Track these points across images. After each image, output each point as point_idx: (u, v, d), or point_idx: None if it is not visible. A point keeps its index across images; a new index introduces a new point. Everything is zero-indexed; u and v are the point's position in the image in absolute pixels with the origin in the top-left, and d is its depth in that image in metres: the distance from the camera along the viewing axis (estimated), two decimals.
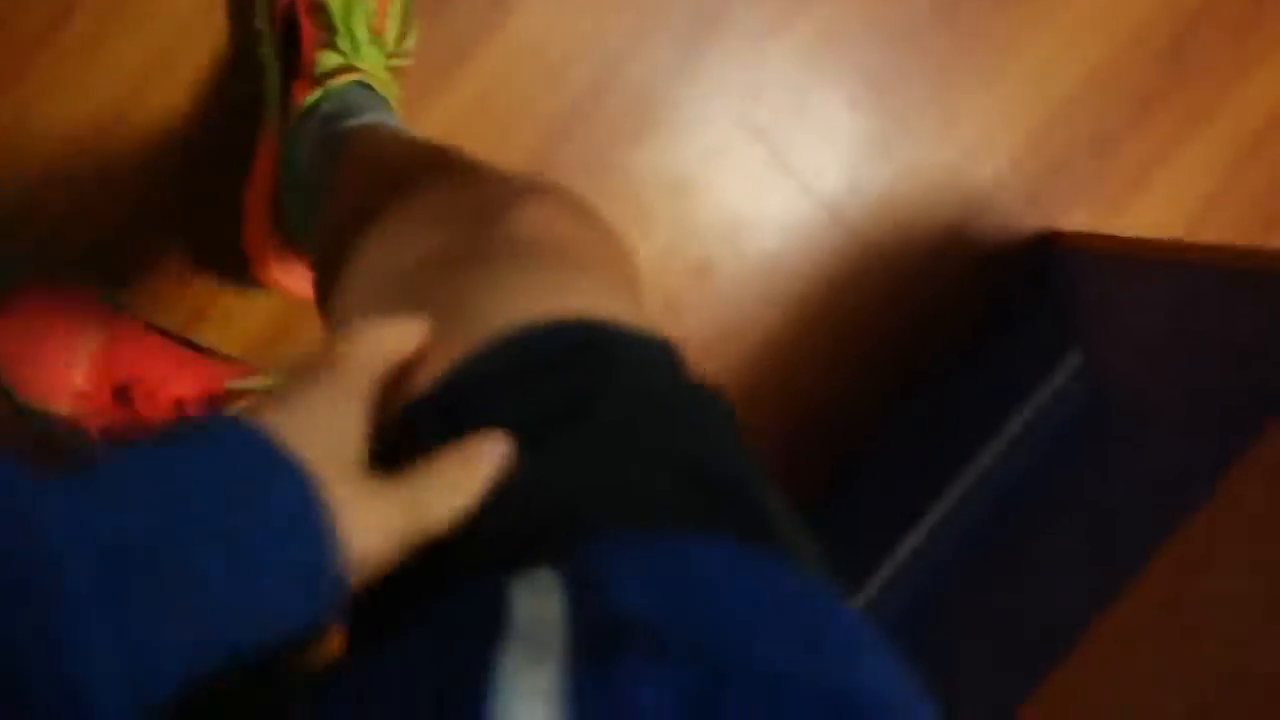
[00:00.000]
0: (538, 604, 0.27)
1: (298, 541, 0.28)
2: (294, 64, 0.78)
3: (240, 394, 0.80)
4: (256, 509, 0.27)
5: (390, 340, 0.34)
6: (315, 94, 0.74)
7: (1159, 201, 1.00)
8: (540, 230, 0.38)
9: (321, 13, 0.76)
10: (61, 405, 0.80)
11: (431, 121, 0.87)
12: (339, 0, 0.76)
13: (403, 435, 0.34)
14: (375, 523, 0.30)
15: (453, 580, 0.31)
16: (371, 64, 0.75)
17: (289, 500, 0.28)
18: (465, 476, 0.32)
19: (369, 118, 0.71)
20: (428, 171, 0.47)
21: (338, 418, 0.31)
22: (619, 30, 0.88)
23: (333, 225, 0.53)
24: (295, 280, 0.81)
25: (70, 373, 0.79)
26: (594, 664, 0.25)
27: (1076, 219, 0.99)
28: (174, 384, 0.80)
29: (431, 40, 0.85)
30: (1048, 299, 0.97)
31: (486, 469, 0.32)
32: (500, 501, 0.32)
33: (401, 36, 0.78)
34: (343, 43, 0.75)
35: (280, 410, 0.31)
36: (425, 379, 0.34)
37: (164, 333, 0.82)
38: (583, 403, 0.33)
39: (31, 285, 0.81)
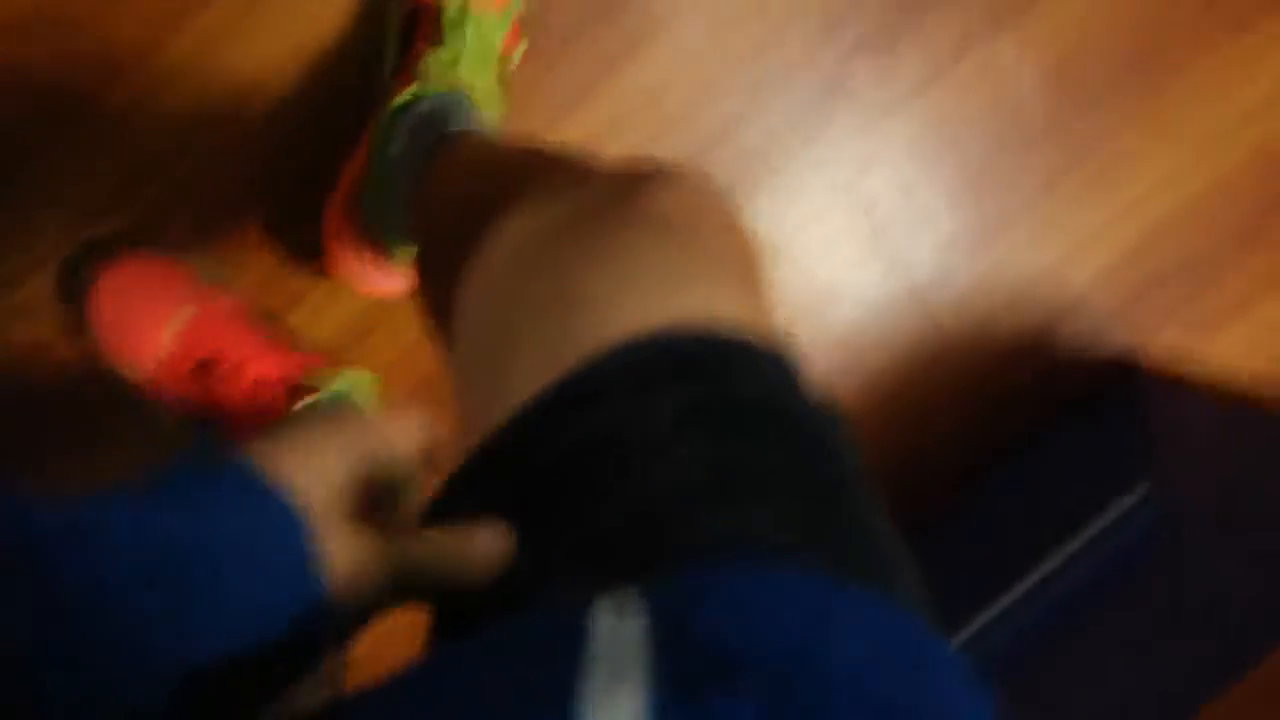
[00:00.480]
0: (621, 626, 0.27)
1: (284, 552, 0.31)
2: (403, 62, 0.79)
3: (310, 390, 0.81)
4: (250, 524, 0.31)
5: (399, 431, 0.36)
6: (410, 91, 0.74)
7: (1245, 337, 1.00)
8: (673, 209, 0.38)
9: (435, 16, 0.77)
10: (145, 369, 0.82)
11: None
12: (455, 8, 0.77)
13: (518, 431, 0.34)
14: (343, 558, 0.32)
15: (535, 586, 0.31)
16: (476, 77, 0.76)
17: (278, 520, 0.31)
18: (454, 553, 0.32)
19: (468, 125, 0.71)
20: (554, 160, 0.47)
21: (329, 460, 0.33)
22: (738, 89, 0.89)
23: (445, 217, 0.53)
24: (362, 273, 0.82)
25: (158, 339, 0.81)
26: (680, 693, 0.24)
27: (1162, 340, 0.99)
28: (255, 365, 0.82)
29: (550, 80, 0.87)
30: (1122, 420, 0.97)
31: (479, 556, 0.32)
32: (595, 509, 0.32)
33: (507, 52, 0.80)
34: (450, 49, 0.76)
35: (280, 443, 0.34)
36: (547, 376, 0.34)
37: (256, 313, 0.84)
38: (693, 419, 0.32)
39: (136, 252, 0.83)
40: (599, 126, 0.89)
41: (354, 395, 0.83)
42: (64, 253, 0.84)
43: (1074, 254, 0.96)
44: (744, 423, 0.33)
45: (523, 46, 0.83)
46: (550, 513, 0.32)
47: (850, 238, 0.94)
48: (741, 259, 0.38)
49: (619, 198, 0.38)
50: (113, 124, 0.83)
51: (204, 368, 0.82)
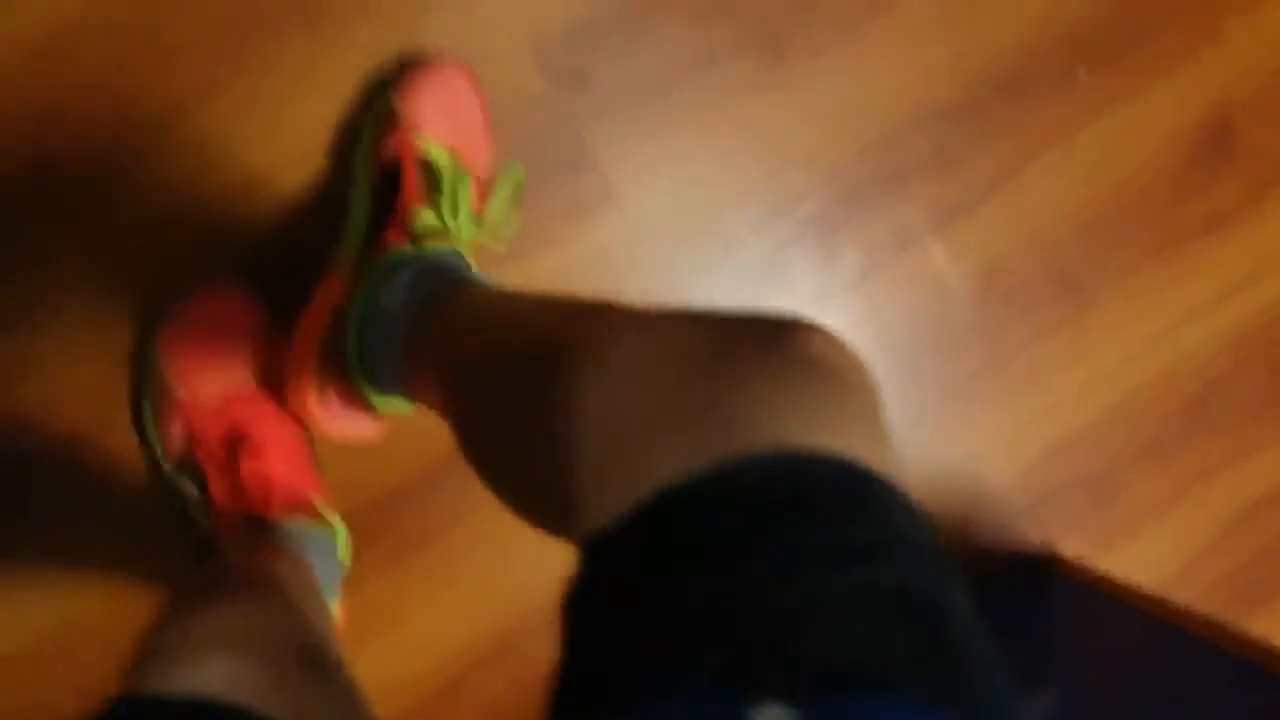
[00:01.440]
0: None
1: None
2: (388, 212, 0.80)
3: (308, 515, 0.81)
4: None
5: None
6: (409, 249, 0.75)
7: (1149, 547, 1.03)
8: (821, 354, 0.39)
9: (430, 172, 0.78)
10: (194, 399, 0.82)
11: None
12: (450, 167, 0.78)
13: (661, 511, 0.35)
14: None
15: (663, 680, 0.31)
16: (465, 234, 0.78)
17: None
18: None
19: (468, 276, 0.73)
20: (611, 305, 0.48)
21: None
22: (679, 263, 0.92)
23: (496, 356, 0.54)
24: (328, 416, 0.81)
25: (226, 380, 0.82)
26: None
27: (1073, 541, 1.01)
28: (280, 465, 0.82)
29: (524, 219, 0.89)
30: (1031, 617, 0.98)
31: None
32: (730, 606, 0.32)
33: (502, 221, 0.82)
34: (444, 206, 0.77)
35: None
36: (685, 464, 0.35)
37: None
38: (835, 545, 0.33)
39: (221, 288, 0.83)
40: (542, 280, 0.90)
41: (336, 543, 0.81)
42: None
43: (990, 451, 0.99)
44: (885, 560, 0.34)
45: (515, 220, 0.84)
46: (681, 597, 0.33)
47: None
48: (877, 409, 0.40)
49: (770, 335, 0.39)
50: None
51: (235, 438, 0.81)
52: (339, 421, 0.80)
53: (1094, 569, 0.98)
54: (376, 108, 0.83)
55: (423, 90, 0.81)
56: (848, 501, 0.35)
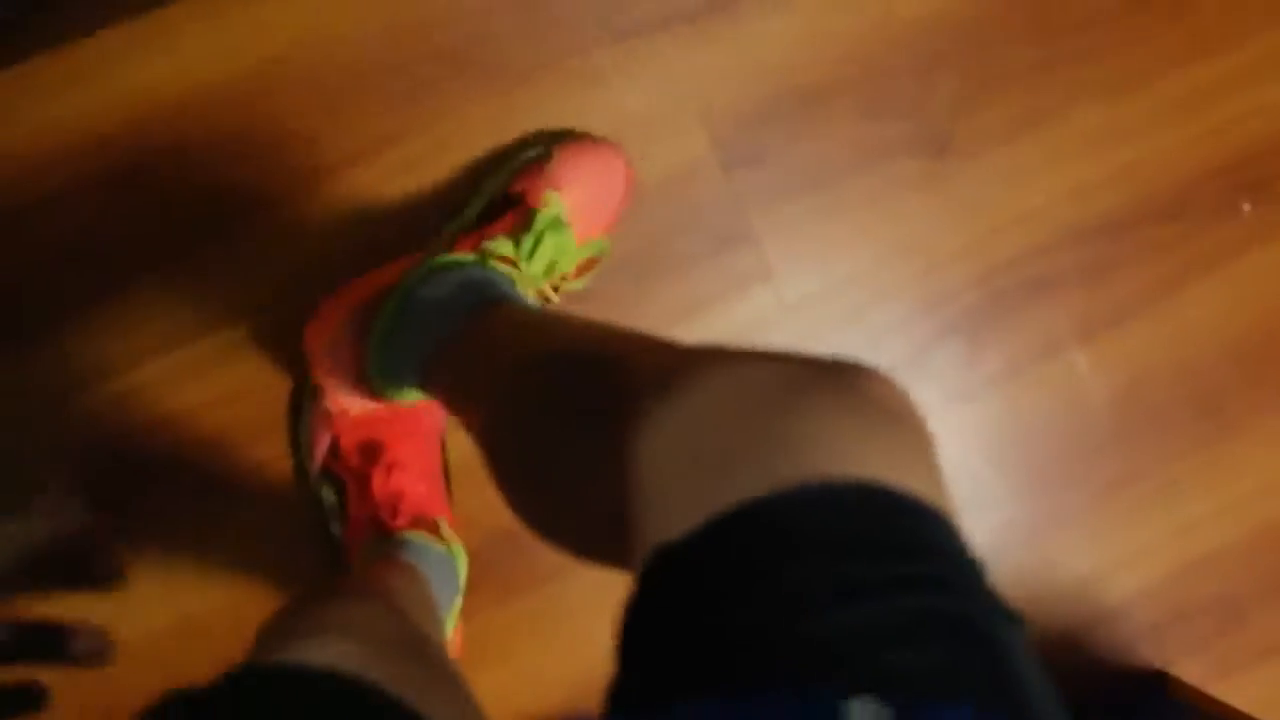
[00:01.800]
0: None
1: None
2: (476, 230, 0.83)
3: (430, 534, 0.83)
4: None
5: None
6: (469, 256, 0.76)
7: (1268, 683, 1.01)
8: (883, 396, 0.40)
9: (528, 214, 0.81)
10: (337, 401, 0.83)
11: None
12: (553, 220, 0.81)
13: (735, 526, 0.36)
14: None
15: (747, 677, 0.33)
16: (531, 277, 0.79)
17: None
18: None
19: (514, 297, 0.74)
20: (688, 344, 0.49)
21: None
22: (843, 343, 0.94)
23: (548, 370, 0.55)
24: (330, 370, 0.82)
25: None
26: None
27: (1191, 665, 1.00)
28: (413, 483, 0.85)
29: (678, 286, 0.92)
30: None
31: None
32: (802, 623, 0.34)
33: (572, 276, 0.84)
34: (525, 243, 0.79)
35: None
36: (761, 486, 0.37)
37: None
38: (902, 573, 0.35)
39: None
40: None
41: (457, 566, 0.84)
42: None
43: (1120, 565, 0.99)
44: (953, 596, 0.35)
45: (585, 281, 0.86)
46: (755, 606, 0.34)
47: None
48: (935, 452, 0.41)
49: (839, 375, 0.41)
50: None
51: (371, 446, 0.84)
52: (334, 377, 0.82)
53: (1207, 693, 0.96)
54: (533, 149, 0.86)
55: (583, 160, 0.85)
56: (912, 533, 0.36)
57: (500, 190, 0.85)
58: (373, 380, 0.77)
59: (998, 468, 0.97)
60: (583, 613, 0.93)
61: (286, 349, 0.88)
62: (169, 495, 0.88)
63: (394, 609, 0.63)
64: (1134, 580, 0.99)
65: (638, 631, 0.38)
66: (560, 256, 0.82)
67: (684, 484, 0.39)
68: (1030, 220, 0.95)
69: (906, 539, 0.36)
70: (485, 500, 0.89)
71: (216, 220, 0.87)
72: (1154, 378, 0.97)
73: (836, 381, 0.40)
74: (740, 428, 0.39)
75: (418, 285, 0.74)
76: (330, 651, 0.49)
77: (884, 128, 0.93)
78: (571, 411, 0.51)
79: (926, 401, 0.93)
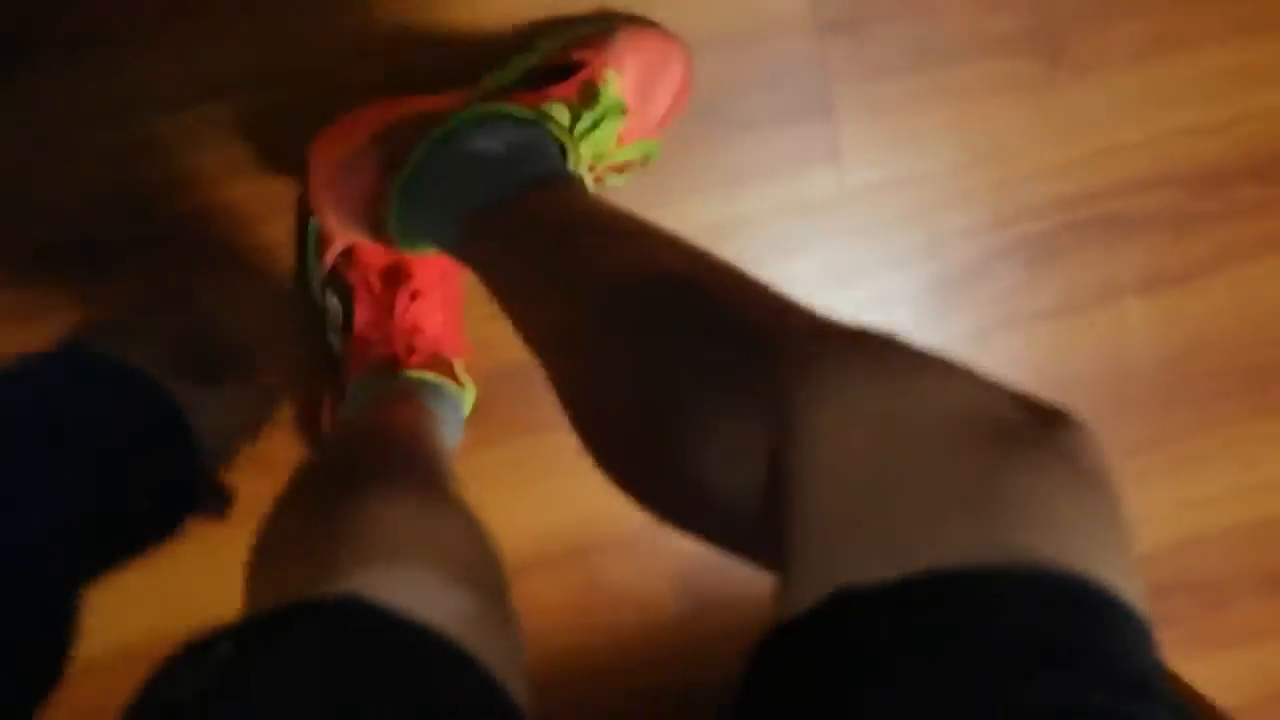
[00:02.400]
0: None
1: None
2: (535, 88, 0.73)
3: (444, 373, 0.78)
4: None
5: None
6: (532, 113, 0.67)
7: (1235, 668, 1.00)
8: (1089, 459, 0.36)
9: (588, 91, 0.73)
10: (351, 229, 0.73)
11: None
12: (613, 103, 0.73)
13: (934, 590, 0.32)
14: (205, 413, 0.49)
15: None
16: (581, 153, 0.71)
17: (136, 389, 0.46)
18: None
19: (568, 172, 0.66)
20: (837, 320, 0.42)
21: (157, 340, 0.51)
22: (872, 259, 0.88)
23: (644, 290, 0.47)
24: (338, 200, 0.73)
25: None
26: None
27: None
28: (433, 316, 0.78)
29: (743, 150, 0.85)
30: None
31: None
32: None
33: (611, 163, 0.77)
34: (584, 118, 0.71)
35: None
36: (961, 551, 0.32)
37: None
38: (1112, 679, 0.31)
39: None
40: (741, 212, 0.86)
41: (464, 405, 0.79)
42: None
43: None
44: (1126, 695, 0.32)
45: (625, 178, 0.80)
46: (950, 680, 0.30)
47: None
48: (1128, 526, 0.37)
49: (1050, 426, 0.36)
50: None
51: (396, 273, 0.77)
52: (340, 210, 0.72)
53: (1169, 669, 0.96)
54: (598, 23, 0.78)
55: (647, 48, 0.77)
56: (1138, 658, 0.32)
57: (555, 52, 0.76)
58: (388, 226, 0.67)
59: None
60: (569, 471, 0.88)
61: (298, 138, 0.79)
62: (156, 261, 0.81)
63: (463, 514, 0.52)
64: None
65: (805, 663, 0.33)
66: (609, 144, 0.74)
67: (882, 517, 0.33)
68: (1122, 154, 0.89)
69: (1134, 671, 0.32)
70: (486, 336, 0.84)
71: None
72: (1205, 345, 0.93)
73: (1050, 437, 0.35)
74: (943, 469, 0.34)
75: (464, 130, 0.65)
76: (416, 594, 0.39)
77: (998, 21, 0.85)
78: (697, 373, 0.42)
79: (966, 325, 0.89)
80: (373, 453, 0.61)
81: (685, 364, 0.43)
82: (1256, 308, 0.92)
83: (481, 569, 0.46)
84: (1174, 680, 0.94)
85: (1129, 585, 0.34)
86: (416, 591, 0.39)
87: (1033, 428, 0.36)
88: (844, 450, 0.35)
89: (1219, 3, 0.87)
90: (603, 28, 0.77)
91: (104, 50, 0.77)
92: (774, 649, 0.34)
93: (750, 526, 0.39)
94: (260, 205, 0.81)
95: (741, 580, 0.91)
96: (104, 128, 0.78)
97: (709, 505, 0.42)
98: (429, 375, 0.77)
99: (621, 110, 0.74)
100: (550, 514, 0.91)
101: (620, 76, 0.75)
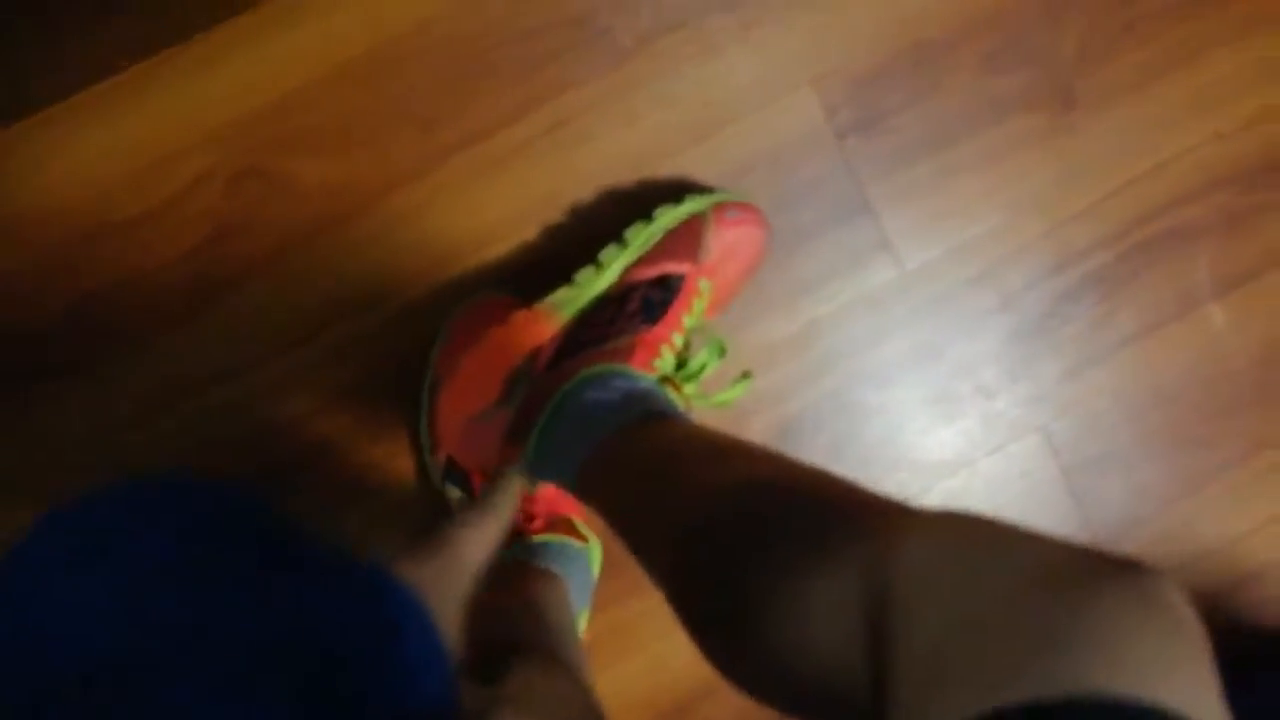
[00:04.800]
0: None
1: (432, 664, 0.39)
2: (639, 335, 0.78)
3: (569, 534, 0.83)
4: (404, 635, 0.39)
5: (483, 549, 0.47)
6: (645, 375, 0.74)
7: None
8: (1169, 599, 0.37)
9: (684, 326, 0.79)
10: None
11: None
12: (711, 350, 0.80)
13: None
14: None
15: None
16: (685, 393, 0.78)
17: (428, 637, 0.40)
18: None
19: (673, 410, 0.70)
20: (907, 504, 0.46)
21: (453, 587, 0.44)
22: (949, 321, 0.91)
23: (741, 501, 0.52)
24: (475, 443, 0.80)
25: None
26: None
27: None
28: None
29: (802, 265, 0.90)
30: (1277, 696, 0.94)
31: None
32: None
33: (700, 375, 0.82)
34: (690, 367, 0.79)
35: (422, 568, 0.44)
36: (1039, 685, 0.34)
37: None
38: None
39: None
40: (818, 323, 0.91)
41: (590, 559, 0.83)
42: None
43: (1262, 528, 0.95)
44: None
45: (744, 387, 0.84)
46: None
47: (1039, 475, 0.94)
48: (1209, 660, 0.39)
49: (1124, 572, 0.38)
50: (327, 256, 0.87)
51: None
52: (468, 458, 0.79)
53: None
54: (687, 204, 0.82)
55: (735, 235, 0.82)
56: None
57: (650, 243, 0.81)
58: (526, 469, 0.74)
59: (1131, 430, 0.94)
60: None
61: (397, 340, 0.87)
62: (289, 503, 0.88)
63: (571, 676, 0.62)
64: (1274, 543, 0.96)
65: None
66: (710, 372, 0.81)
67: (970, 657, 0.36)
68: (1158, 175, 0.92)
69: None
70: None
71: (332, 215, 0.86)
72: None
73: (1123, 579, 0.37)
74: (1036, 609, 0.36)
75: (582, 388, 0.72)
76: None
77: (1002, 82, 0.90)
78: (793, 547, 0.47)
79: (1058, 366, 0.92)
80: (501, 631, 0.68)
81: (780, 541, 0.47)
82: None
83: (581, 712, 0.55)
84: None
85: (1209, 714, 0.35)
86: None
87: (1110, 573, 0.37)
88: (936, 605, 0.38)
89: (1207, 16, 0.91)
90: (694, 209, 0.81)
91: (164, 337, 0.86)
92: None
93: (846, 693, 0.41)
94: (361, 428, 0.88)
95: None
96: (184, 399, 0.86)
97: (808, 675, 0.44)
98: (551, 538, 0.82)
99: (721, 353, 0.81)
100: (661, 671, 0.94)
101: (712, 283, 0.81)
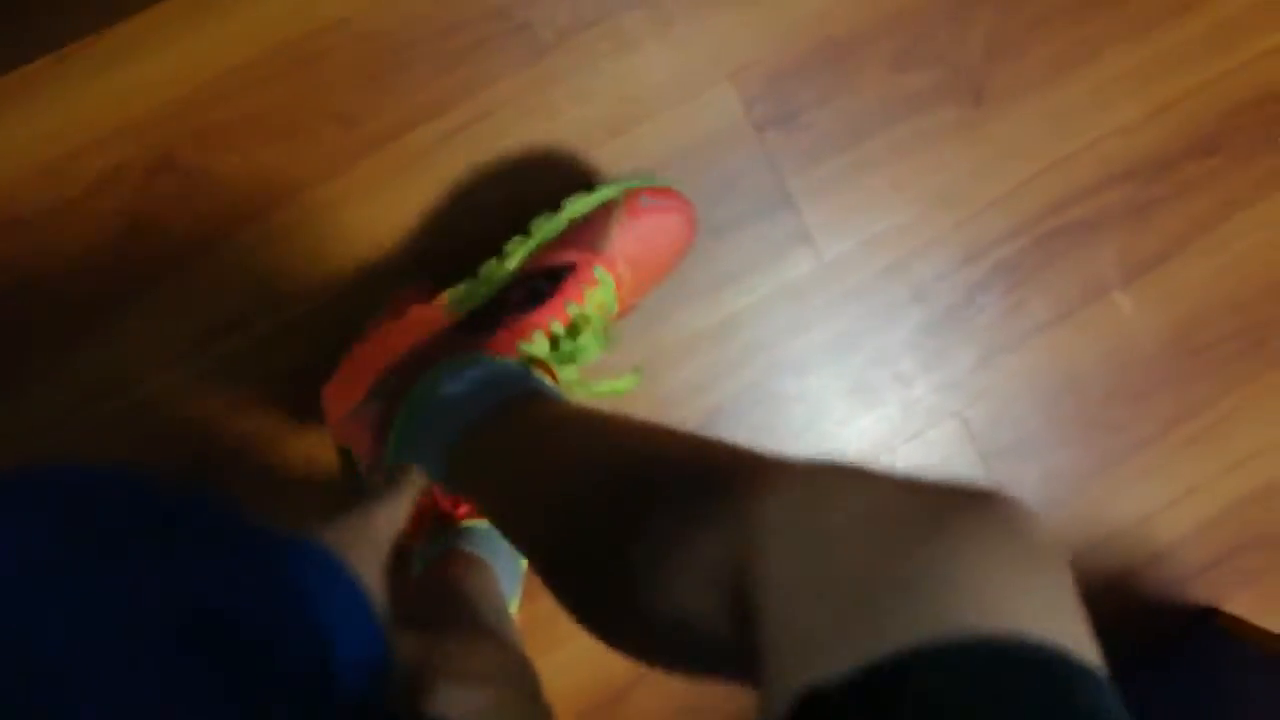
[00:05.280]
0: None
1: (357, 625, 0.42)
2: (514, 319, 0.77)
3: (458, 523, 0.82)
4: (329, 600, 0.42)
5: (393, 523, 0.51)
6: (510, 360, 0.72)
7: None
8: (1032, 531, 0.37)
9: (573, 315, 0.77)
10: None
11: None
12: (596, 325, 0.77)
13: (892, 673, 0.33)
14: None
15: None
16: (562, 378, 0.76)
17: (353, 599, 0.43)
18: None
19: (539, 388, 0.68)
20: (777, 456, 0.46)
21: (371, 551, 0.48)
22: (859, 311, 0.93)
23: (589, 477, 0.51)
24: (349, 436, 0.79)
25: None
26: None
27: (1238, 603, 1.00)
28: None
29: (723, 257, 0.91)
30: (1192, 678, 0.97)
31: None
32: None
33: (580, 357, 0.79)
34: (563, 349, 0.76)
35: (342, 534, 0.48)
36: (913, 633, 0.34)
37: None
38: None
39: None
40: (739, 316, 0.92)
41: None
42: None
43: (1170, 504, 0.98)
44: None
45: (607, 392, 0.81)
46: None
47: (958, 460, 0.96)
48: (1069, 585, 0.39)
49: (978, 504, 0.38)
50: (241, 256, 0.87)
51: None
52: (358, 451, 0.78)
53: (1255, 624, 0.96)
54: (594, 195, 0.81)
55: (648, 224, 0.80)
56: (1086, 696, 0.33)
57: (551, 236, 0.80)
58: (391, 465, 0.73)
59: (1045, 416, 0.97)
60: None
61: (319, 332, 0.87)
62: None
63: (507, 647, 0.63)
64: (1185, 519, 0.99)
65: None
66: (593, 355, 0.78)
67: (827, 616, 0.35)
68: (1067, 164, 0.95)
69: (1074, 706, 0.33)
70: None
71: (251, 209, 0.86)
72: (1200, 315, 0.97)
73: (978, 512, 0.37)
74: (886, 556, 0.36)
75: (438, 381, 0.70)
76: (444, 698, 0.52)
77: (917, 78, 0.92)
78: (660, 511, 0.46)
79: (972, 353, 0.94)
80: (430, 607, 0.71)
81: (650, 510, 0.47)
82: (1232, 270, 0.97)
83: (506, 675, 0.58)
84: (1266, 636, 0.94)
85: (1078, 642, 0.35)
86: (446, 697, 0.52)
87: (961, 505, 0.37)
88: (791, 563, 0.37)
89: (1109, 11, 0.94)
90: (602, 200, 0.80)
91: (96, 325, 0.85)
92: None
93: (729, 650, 0.41)
94: (287, 421, 0.88)
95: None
96: (108, 398, 0.85)
97: (686, 634, 0.44)
98: (478, 523, 0.82)
99: (600, 337, 0.78)
100: None
101: (611, 274, 0.79)
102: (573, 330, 0.77)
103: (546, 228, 0.80)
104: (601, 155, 0.89)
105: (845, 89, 0.92)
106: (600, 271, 0.79)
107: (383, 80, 0.86)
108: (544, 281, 0.78)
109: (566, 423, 0.60)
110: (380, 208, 0.87)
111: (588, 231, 0.80)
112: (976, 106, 0.93)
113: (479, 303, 0.78)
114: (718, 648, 0.42)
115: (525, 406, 0.65)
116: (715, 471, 0.45)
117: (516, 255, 0.80)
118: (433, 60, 0.86)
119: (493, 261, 0.80)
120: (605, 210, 0.80)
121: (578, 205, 0.81)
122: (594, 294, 0.79)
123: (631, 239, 0.80)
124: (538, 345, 0.76)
